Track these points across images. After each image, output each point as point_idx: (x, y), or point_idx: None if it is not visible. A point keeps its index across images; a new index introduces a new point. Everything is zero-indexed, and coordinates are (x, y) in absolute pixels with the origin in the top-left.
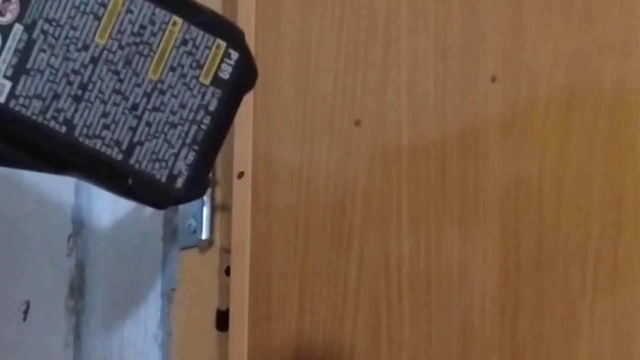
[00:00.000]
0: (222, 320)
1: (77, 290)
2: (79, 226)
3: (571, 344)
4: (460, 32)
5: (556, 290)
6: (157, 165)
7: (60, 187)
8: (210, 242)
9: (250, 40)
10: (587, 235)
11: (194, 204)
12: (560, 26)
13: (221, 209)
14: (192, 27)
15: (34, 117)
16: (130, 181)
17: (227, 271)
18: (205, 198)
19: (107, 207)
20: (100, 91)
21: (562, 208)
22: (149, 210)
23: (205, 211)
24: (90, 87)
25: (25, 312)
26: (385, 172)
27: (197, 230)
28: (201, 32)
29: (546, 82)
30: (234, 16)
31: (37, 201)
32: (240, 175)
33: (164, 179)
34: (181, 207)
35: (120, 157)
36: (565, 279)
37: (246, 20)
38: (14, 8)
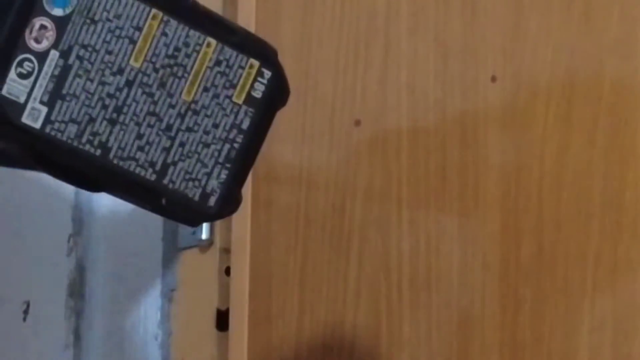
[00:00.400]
0: (222, 320)
1: (77, 290)
2: (79, 226)
3: (571, 343)
4: (460, 32)
5: (556, 290)
6: (190, 184)
7: (60, 187)
8: (210, 242)
9: None
10: (587, 235)
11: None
12: (560, 26)
13: None
14: (226, 48)
15: (69, 142)
16: (163, 201)
17: (227, 271)
18: None
19: (107, 207)
20: (134, 113)
21: (562, 208)
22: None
23: None
24: (125, 110)
25: (25, 312)
26: (385, 171)
27: (197, 230)
28: (235, 52)
29: (546, 82)
30: (234, 16)
31: (37, 201)
32: None
33: (196, 198)
34: None
35: (153, 177)
36: (565, 278)
37: (246, 20)
38: (50, 35)
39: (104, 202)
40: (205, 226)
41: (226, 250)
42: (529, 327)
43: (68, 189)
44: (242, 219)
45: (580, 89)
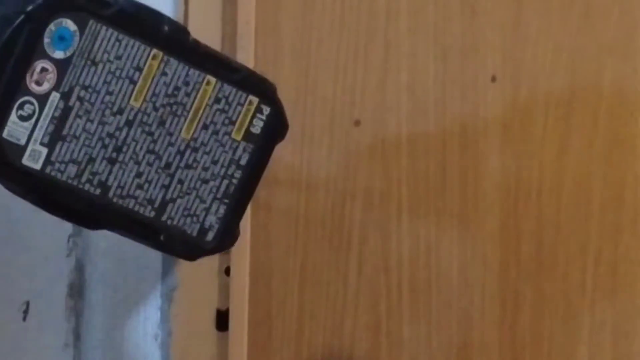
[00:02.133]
0: (222, 320)
1: (77, 290)
2: (79, 227)
3: (571, 343)
4: (460, 32)
5: (556, 290)
6: (188, 220)
7: None
8: None
9: (250, 41)
10: (587, 235)
11: None
12: (560, 26)
13: None
14: (225, 85)
15: (69, 182)
16: (162, 237)
17: (227, 271)
18: None
19: None
20: (134, 152)
21: (562, 208)
22: None
23: None
24: (124, 149)
25: (25, 312)
26: (385, 171)
27: None
28: (234, 90)
29: (546, 82)
30: (233, 17)
31: None
32: None
33: (194, 233)
34: None
35: (152, 214)
36: (565, 278)
37: (246, 20)
38: (51, 77)
39: None
40: None
41: (226, 250)
42: (529, 327)
43: None
44: (242, 219)
45: (580, 89)
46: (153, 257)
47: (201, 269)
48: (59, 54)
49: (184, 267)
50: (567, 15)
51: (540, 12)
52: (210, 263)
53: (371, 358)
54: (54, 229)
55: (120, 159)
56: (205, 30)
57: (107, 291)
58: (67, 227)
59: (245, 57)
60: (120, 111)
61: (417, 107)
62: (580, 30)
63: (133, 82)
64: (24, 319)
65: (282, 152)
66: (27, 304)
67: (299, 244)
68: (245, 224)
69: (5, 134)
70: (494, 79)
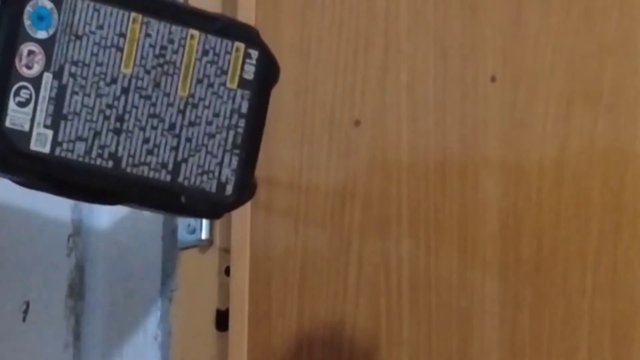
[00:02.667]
0: (222, 320)
1: (77, 290)
2: (79, 226)
3: (571, 343)
4: (459, 32)
5: (556, 290)
6: (204, 177)
7: None
8: (210, 242)
9: None
10: (586, 235)
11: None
12: (560, 26)
13: None
14: (210, 36)
15: (80, 160)
16: (183, 199)
17: (227, 271)
18: None
19: (107, 207)
20: (137, 119)
21: (562, 208)
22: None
23: None
24: (126, 117)
25: (25, 312)
26: (385, 172)
27: (197, 230)
28: (219, 39)
29: (546, 82)
30: (233, 16)
31: (37, 201)
32: None
33: (214, 190)
34: None
35: (168, 178)
36: (564, 279)
37: (246, 20)
38: (39, 58)
39: None
40: (205, 226)
41: (226, 250)
42: (529, 327)
43: None
44: (242, 219)
45: (579, 89)
46: (153, 257)
47: (201, 269)
48: (41, 34)
49: (184, 267)
50: (567, 15)
51: (540, 12)
52: (210, 263)
53: (371, 358)
54: (54, 229)
55: (124, 127)
56: None
57: (107, 291)
58: (67, 227)
59: None
60: (114, 80)
61: (417, 107)
62: (580, 30)
63: (120, 49)
64: (24, 319)
65: (282, 152)
66: (27, 304)
67: (299, 244)
68: (245, 223)
69: (8, 123)
70: (493, 79)
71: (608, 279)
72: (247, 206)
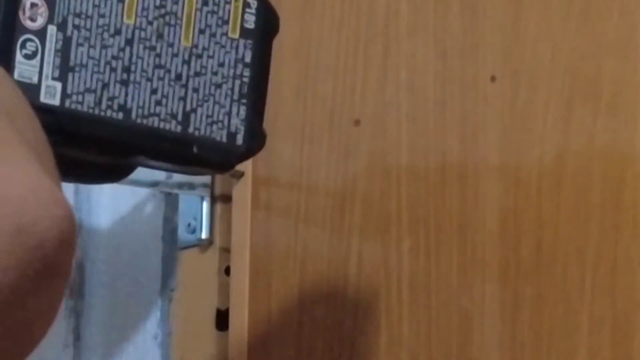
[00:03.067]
0: (222, 320)
1: (77, 290)
2: (79, 226)
3: (570, 343)
4: (459, 31)
5: (555, 290)
6: (214, 127)
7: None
8: (210, 241)
9: None
10: (586, 235)
11: (193, 203)
12: (559, 26)
13: (221, 200)
14: None
15: (90, 111)
16: (195, 149)
17: (227, 271)
18: (205, 198)
19: (107, 207)
20: (143, 70)
21: (562, 208)
22: (148, 210)
23: (205, 210)
24: (132, 68)
25: None
26: (384, 171)
27: (197, 229)
28: None
29: (546, 82)
30: None
31: None
32: (240, 175)
33: (224, 139)
34: (181, 206)
35: (179, 128)
36: (564, 278)
37: None
38: (42, 11)
39: (104, 202)
40: (205, 226)
41: (226, 250)
42: (528, 327)
43: (67, 189)
44: (242, 218)
45: (579, 89)
46: (153, 257)
47: (201, 269)
48: None
49: (184, 267)
50: (567, 15)
51: (540, 12)
52: (210, 263)
53: (371, 358)
54: None
55: (131, 79)
56: None
57: (107, 291)
58: None
59: None
60: (118, 31)
61: (417, 106)
62: (580, 30)
63: (121, 1)
64: None
65: (282, 152)
66: None
67: (299, 244)
68: (245, 223)
69: (16, 76)
70: (493, 78)
71: (608, 279)
72: (247, 206)
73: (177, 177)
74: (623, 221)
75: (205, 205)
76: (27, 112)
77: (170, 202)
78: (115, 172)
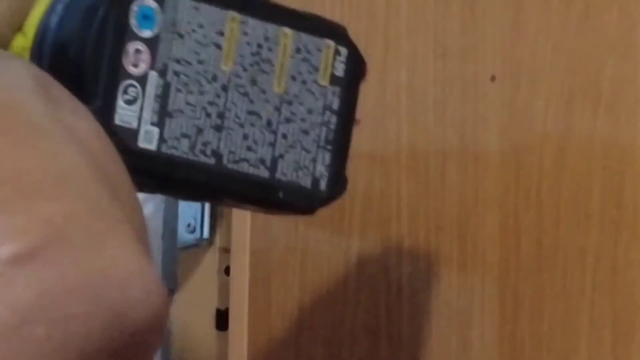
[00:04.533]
0: (222, 320)
1: None
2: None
3: (570, 343)
4: (459, 31)
5: (555, 290)
6: (300, 173)
7: None
8: (210, 241)
9: None
10: (586, 235)
11: (193, 203)
12: (559, 25)
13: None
14: (301, 34)
15: (185, 156)
16: (281, 194)
17: (227, 271)
18: None
19: None
20: (236, 116)
21: (562, 207)
22: (147, 210)
23: (205, 210)
24: (227, 114)
25: None
26: (384, 171)
27: (197, 229)
28: (310, 37)
29: (546, 82)
30: None
31: None
32: None
33: (309, 185)
34: (180, 206)
35: (267, 174)
36: (564, 278)
37: None
38: (145, 57)
39: None
40: (205, 226)
41: (226, 250)
42: (528, 327)
43: None
44: (242, 218)
45: (579, 89)
46: (153, 256)
47: (201, 269)
48: (146, 33)
49: (183, 267)
50: (567, 15)
51: (540, 11)
52: (210, 263)
53: (371, 358)
54: None
55: (225, 124)
56: None
57: None
58: None
59: None
60: (215, 78)
61: (417, 106)
62: (580, 30)
63: (219, 47)
64: None
65: None
66: None
67: (299, 244)
68: (245, 223)
69: (117, 121)
70: (493, 78)
71: (608, 279)
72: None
73: None
74: (623, 221)
75: (206, 205)
76: (126, 181)
77: (170, 202)
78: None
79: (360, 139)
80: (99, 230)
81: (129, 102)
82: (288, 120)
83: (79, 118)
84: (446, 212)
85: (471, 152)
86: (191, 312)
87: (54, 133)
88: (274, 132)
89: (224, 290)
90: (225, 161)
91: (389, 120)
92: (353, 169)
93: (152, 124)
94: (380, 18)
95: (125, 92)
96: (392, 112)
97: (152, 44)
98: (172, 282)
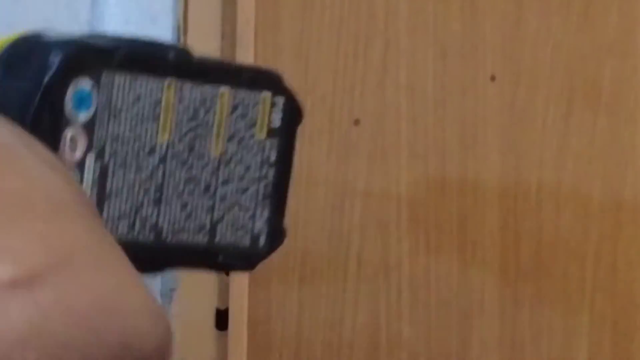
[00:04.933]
0: (222, 320)
1: None
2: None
3: (570, 343)
4: (459, 31)
5: (555, 290)
6: (239, 233)
7: None
8: None
9: (250, 40)
10: (586, 235)
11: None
12: (559, 26)
13: None
14: (238, 90)
15: (123, 237)
16: (220, 258)
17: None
18: None
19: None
20: (175, 186)
21: (562, 207)
22: None
23: None
24: (165, 186)
25: None
26: (384, 171)
27: None
28: (247, 92)
29: (546, 82)
30: (233, 16)
31: None
32: None
33: (248, 244)
34: None
35: (206, 239)
36: (564, 278)
37: (246, 20)
38: (82, 141)
39: None
40: None
41: None
42: (528, 327)
43: None
44: None
45: (579, 89)
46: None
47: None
48: (82, 117)
49: None
50: (567, 15)
51: (540, 11)
52: None
53: (371, 358)
54: None
55: (163, 197)
56: (205, 30)
57: None
58: None
59: (245, 56)
60: (152, 150)
61: (417, 106)
62: (580, 30)
63: (156, 119)
64: None
65: None
66: None
67: (299, 244)
68: None
69: None
70: (493, 78)
71: (608, 279)
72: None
73: None
74: (623, 221)
75: None
76: (94, 206)
77: None
78: None
79: (360, 138)
80: (101, 254)
81: None
82: (226, 182)
83: (48, 155)
84: (446, 212)
85: (471, 151)
86: (191, 311)
87: (34, 160)
88: (213, 196)
89: (224, 291)
90: (164, 235)
91: (388, 119)
92: (353, 168)
93: None
94: (380, 18)
95: None
96: (392, 111)
97: (88, 126)
98: (172, 282)
